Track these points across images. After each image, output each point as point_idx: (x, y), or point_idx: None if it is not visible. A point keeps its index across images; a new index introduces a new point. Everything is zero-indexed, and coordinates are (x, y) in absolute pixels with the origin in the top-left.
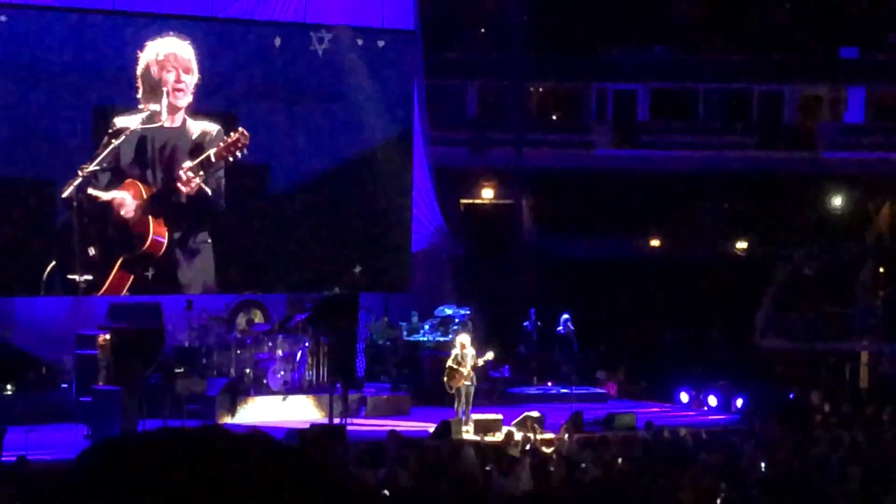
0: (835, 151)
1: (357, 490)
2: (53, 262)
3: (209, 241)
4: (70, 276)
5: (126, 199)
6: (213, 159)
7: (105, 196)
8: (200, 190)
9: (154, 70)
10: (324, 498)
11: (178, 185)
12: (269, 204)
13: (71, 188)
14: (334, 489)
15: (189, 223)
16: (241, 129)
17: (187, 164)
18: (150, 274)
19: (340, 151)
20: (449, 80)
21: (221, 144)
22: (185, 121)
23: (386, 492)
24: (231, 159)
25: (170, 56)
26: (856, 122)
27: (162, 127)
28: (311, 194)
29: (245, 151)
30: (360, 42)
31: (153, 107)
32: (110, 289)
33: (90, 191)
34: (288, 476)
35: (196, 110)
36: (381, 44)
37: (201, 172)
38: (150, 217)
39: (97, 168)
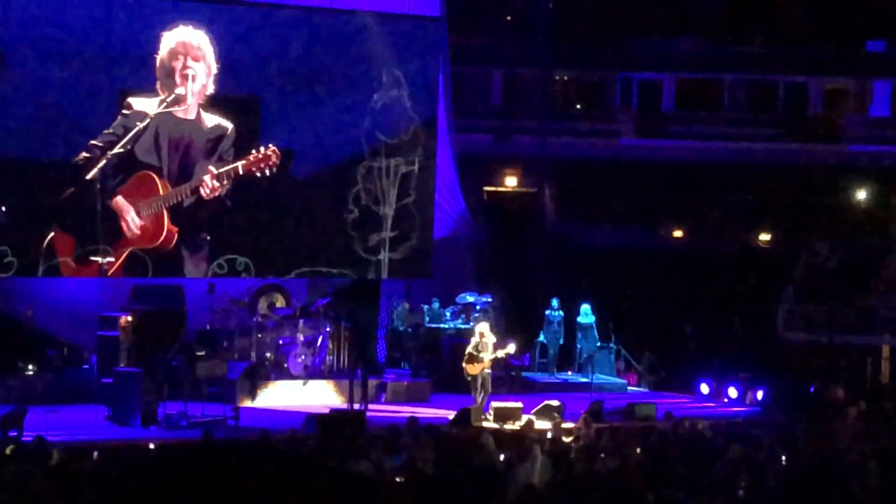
0: (860, 144)
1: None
2: (73, 242)
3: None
4: (92, 258)
5: (131, 213)
6: (241, 171)
7: (114, 202)
8: (219, 199)
9: (168, 58)
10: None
11: (201, 188)
12: (292, 188)
13: (95, 169)
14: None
15: (200, 220)
16: (272, 147)
17: (212, 169)
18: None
19: (364, 137)
20: (474, 67)
21: (251, 158)
22: (199, 113)
23: (398, 479)
24: (259, 175)
25: (184, 45)
26: (881, 115)
27: (177, 117)
28: (334, 179)
29: (274, 170)
30: (385, 28)
31: (170, 95)
32: (119, 271)
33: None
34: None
35: (218, 95)
36: (406, 30)
37: (225, 182)
38: (164, 211)
39: (120, 150)
